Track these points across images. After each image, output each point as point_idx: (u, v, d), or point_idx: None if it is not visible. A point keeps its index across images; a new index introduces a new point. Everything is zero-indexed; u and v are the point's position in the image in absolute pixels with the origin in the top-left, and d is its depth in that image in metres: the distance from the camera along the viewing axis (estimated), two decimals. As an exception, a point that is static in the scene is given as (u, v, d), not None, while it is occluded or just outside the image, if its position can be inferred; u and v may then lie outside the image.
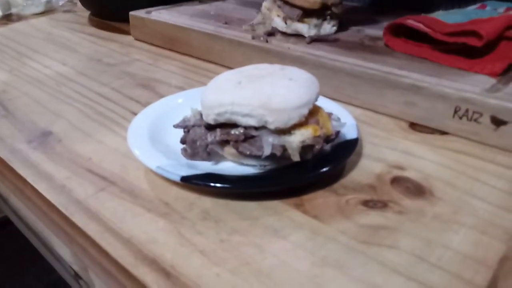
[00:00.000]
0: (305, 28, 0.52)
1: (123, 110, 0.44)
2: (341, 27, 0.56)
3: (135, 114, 0.43)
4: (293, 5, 0.52)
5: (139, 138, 0.34)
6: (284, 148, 0.29)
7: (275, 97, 0.29)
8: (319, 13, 0.53)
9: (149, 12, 0.67)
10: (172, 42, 0.62)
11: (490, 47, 0.42)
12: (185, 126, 0.32)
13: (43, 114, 0.44)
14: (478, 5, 0.57)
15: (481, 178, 0.33)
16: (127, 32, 0.72)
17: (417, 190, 0.31)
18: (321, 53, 0.47)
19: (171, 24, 0.61)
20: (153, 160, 0.31)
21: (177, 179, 0.29)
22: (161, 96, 0.47)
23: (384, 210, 0.29)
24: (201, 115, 0.32)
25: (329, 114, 0.32)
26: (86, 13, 0.86)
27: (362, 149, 0.36)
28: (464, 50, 0.43)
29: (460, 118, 0.38)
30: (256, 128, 0.30)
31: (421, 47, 0.47)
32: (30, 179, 0.33)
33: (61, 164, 0.35)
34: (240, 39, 0.53)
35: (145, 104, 0.45)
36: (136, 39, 0.68)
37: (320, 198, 0.30)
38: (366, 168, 0.34)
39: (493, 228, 0.28)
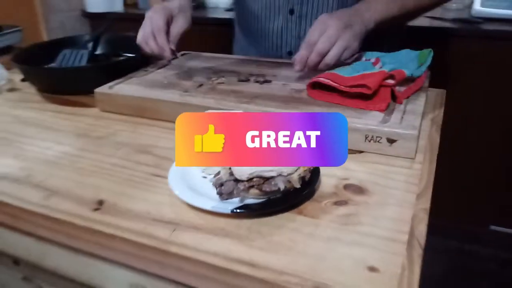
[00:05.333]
0: None
1: (143, 174, 0.60)
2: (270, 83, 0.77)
3: (154, 175, 0.59)
4: None
5: (184, 192, 0.51)
6: (289, 182, 0.49)
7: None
8: None
9: (111, 87, 0.82)
10: (142, 110, 0.78)
11: (375, 92, 0.67)
12: (220, 182, 0.50)
13: (83, 187, 0.57)
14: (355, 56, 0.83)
15: (390, 176, 0.56)
16: (87, 105, 0.84)
17: (360, 190, 0.54)
18: (268, 108, 0.68)
19: (140, 97, 0.77)
20: (204, 203, 0.49)
21: (228, 211, 0.48)
22: (161, 157, 0.64)
23: (347, 205, 0.51)
24: (229, 174, 0.50)
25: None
26: (31, 89, 0.96)
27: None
28: (359, 95, 0.68)
29: (369, 141, 0.61)
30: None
31: (332, 95, 0.70)
32: (118, 234, 0.48)
33: (132, 220, 0.50)
34: (206, 104, 0.71)
35: (155, 166, 0.62)
36: (103, 111, 0.82)
37: (309, 206, 0.51)
38: (327, 183, 0.55)
39: (405, 203, 0.51)
